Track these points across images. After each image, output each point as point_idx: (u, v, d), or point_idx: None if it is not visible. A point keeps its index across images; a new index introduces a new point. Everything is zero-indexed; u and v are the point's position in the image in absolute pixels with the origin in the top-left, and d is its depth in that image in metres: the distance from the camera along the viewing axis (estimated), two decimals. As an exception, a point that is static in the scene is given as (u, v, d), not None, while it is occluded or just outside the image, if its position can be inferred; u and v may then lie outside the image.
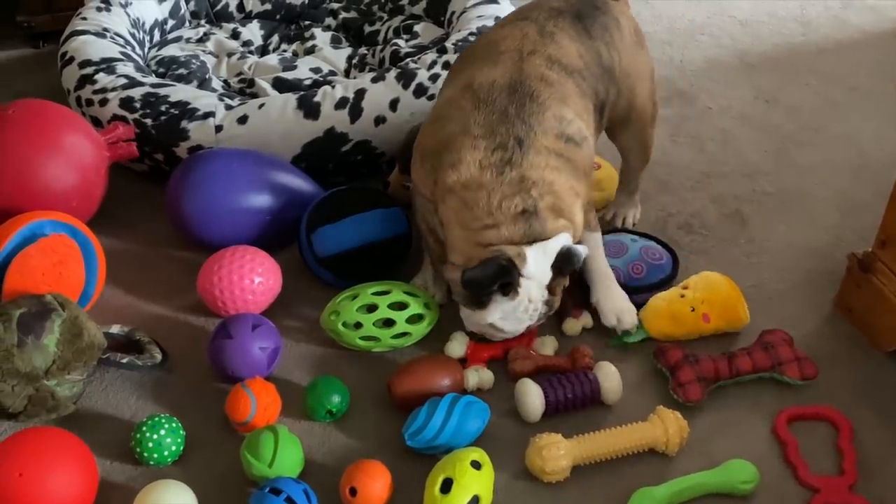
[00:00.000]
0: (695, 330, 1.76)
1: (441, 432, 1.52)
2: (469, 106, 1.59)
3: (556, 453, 1.49)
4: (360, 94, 2.02)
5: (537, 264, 1.55)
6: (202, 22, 2.49)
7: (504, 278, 1.54)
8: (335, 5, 2.53)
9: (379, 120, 2.01)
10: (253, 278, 1.74)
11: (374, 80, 2.05)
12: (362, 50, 2.38)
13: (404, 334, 1.71)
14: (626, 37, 1.79)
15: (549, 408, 1.59)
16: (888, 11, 2.76)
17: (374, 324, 1.69)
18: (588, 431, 1.55)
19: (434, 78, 2.04)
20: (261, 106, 2.01)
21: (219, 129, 1.98)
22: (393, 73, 2.06)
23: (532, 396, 1.58)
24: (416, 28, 2.41)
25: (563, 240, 1.56)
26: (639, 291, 1.81)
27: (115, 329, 1.72)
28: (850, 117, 2.37)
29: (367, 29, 2.47)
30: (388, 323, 1.70)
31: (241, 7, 2.51)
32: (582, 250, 1.57)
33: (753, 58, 2.60)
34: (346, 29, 2.48)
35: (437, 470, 1.46)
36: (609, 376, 1.62)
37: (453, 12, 2.38)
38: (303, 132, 1.99)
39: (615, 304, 1.77)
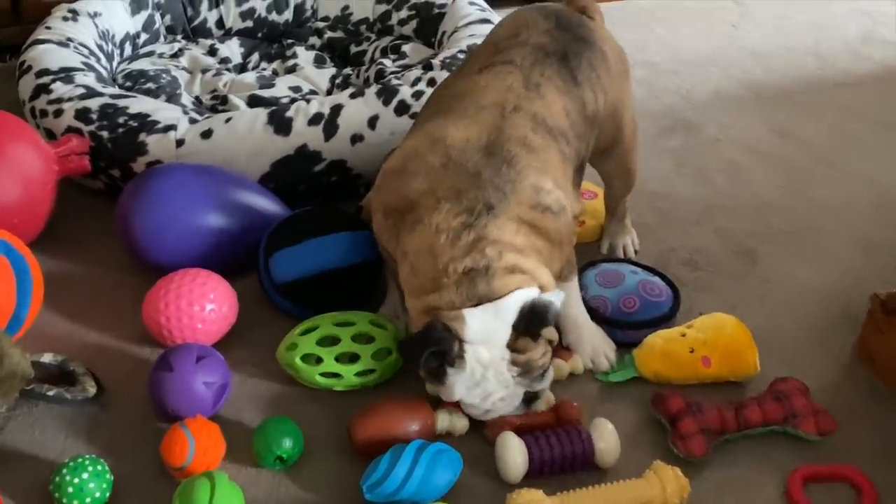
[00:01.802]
0: (692, 374, 1.57)
1: (404, 485, 1.33)
2: (438, 164, 1.42)
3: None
4: (337, 110, 1.85)
5: (483, 326, 1.36)
6: (178, 37, 2.34)
7: (436, 346, 1.36)
8: (321, 24, 2.38)
9: (356, 138, 1.85)
10: (204, 304, 1.56)
11: (353, 96, 1.88)
12: (347, 70, 2.22)
13: (370, 371, 1.52)
14: (612, 67, 1.63)
15: (532, 468, 1.40)
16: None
17: (335, 358, 1.50)
18: (574, 488, 1.36)
19: (417, 95, 1.88)
20: (227, 120, 1.85)
21: (180, 143, 1.82)
22: (373, 89, 1.89)
23: (514, 453, 1.39)
24: (405, 48, 2.25)
25: (521, 296, 1.37)
26: (629, 327, 1.63)
27: (46, 358, 1.53)
28: (871, 153, 2.19)
29: (354, 49, 2.32)
30: (353, 358, 1.51)
31: (220, 23, 2.36)
32: (554, 300, 1.39)
33: (767, 90, 2.44)
34: (332, 49, 2.33)
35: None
36: (605, 436, 1.42)
37: (444, 32, 2.22)
38: (273, 149, 1.82)
39: (590, 343, 1.61)
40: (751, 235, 1.93)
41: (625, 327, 1.63)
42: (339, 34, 2.35)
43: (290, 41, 2.33)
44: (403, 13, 2.35)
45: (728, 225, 1.96)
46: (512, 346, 1.38)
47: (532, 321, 1.37)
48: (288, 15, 2.39)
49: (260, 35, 2.38)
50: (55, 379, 1.51)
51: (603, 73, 1.61)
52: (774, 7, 2.85)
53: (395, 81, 1.92)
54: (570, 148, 1.52)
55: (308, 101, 1.88)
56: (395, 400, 1.46)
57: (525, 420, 1.47)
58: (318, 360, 1.51)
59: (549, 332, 1.42)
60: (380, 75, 2.13)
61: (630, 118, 1.71)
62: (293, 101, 2.06)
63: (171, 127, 1.83)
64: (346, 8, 2.39)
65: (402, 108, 1.87)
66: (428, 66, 1.96)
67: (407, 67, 2.13)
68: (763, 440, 1.49)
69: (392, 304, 1.65)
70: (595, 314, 1.63)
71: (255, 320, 1.68)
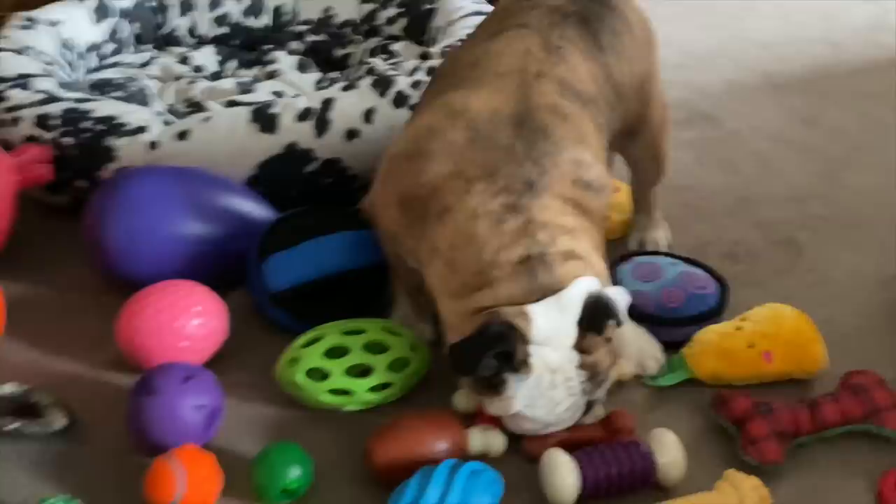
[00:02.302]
0: (753, 372, 1.37)
1: (439, 510, 1.12)
2: (462, 140, 1.24)
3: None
4: (328, 104, 1.66)
5: (550, 323, 1.17)
6: (148, 47, 2.15)
7: (500, 348, 1.16)
8: (302, 28, 2.20)
9: (351, 134, 1.65)
10: (188, 319, 1.35)
11: (345, 89, 1.70)
12: (333, 74, 2.04)
13: (385, 385, 1.31)
14: (637, 35, 1.46)
15: (586, 490, 1.19)
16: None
17: (345, 372, 1.29)
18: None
19: (416, 85, 1.70)
20: (206, 119, 1.65)
21: (153, 146, 1.62)
22: (367, 81, 1.71)
23: (564, 473, 1.18)
24: (395, 48, 2.07)
25: (584, 286, 1.18)
26: (674, 324, 1.44)
27: (7, 389, 1.32)
28: (898, 140, 2.03)
29: (339, 52, 2.13)
30: (365, 371, 1.31)
31: (192, 31, 2.18)
32: (619, 296, 1.21)
33: (781, 80, 2.28)
34: (316, 53, 2.15)
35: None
36: (667, 448, 1.21)
37: (437, 28, 2.05)
38: (258, 149, 1.63)
39: (634, 345, 1.41)
40: (790, 225, 1.75)
41: (670, 325, 1.44)
42: (322, 37, 2.17)
43: (269, 46, 2.15)
44: (391, 11, 2.17)
45: (764, 215, 1.78)
46: (578, 347, 1.19)
47: (598, 315, 1.18)
48: (266, 19, 2.21)
49: (237, 42, 2.19)
50: (18, 412, 1.30)
51: (627, 40, 1.43)
52: None
53: (390, 72, 1.73)
54: (602, 118, 1.34)
55: (295, 96, 1.69)
56: (419, 416, 1.25)
57: (572, 434, 1.26)
58: (325, 376, 1.30)
59: (611, 330, 1.23)
60: (370, 74, 1.95)
61: (659, 94, 1.54)
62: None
63: (142, 129, 1.63)
64: (328, 9, 2.21)
65: (400, 100, 1.68)
66: (425, 56, 1.79)
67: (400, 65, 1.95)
68: (842, 442, 1.29)
69: (403, 310, 1.45)
70: (634, 312, 1.43)
71: (249, 338, 1.47)
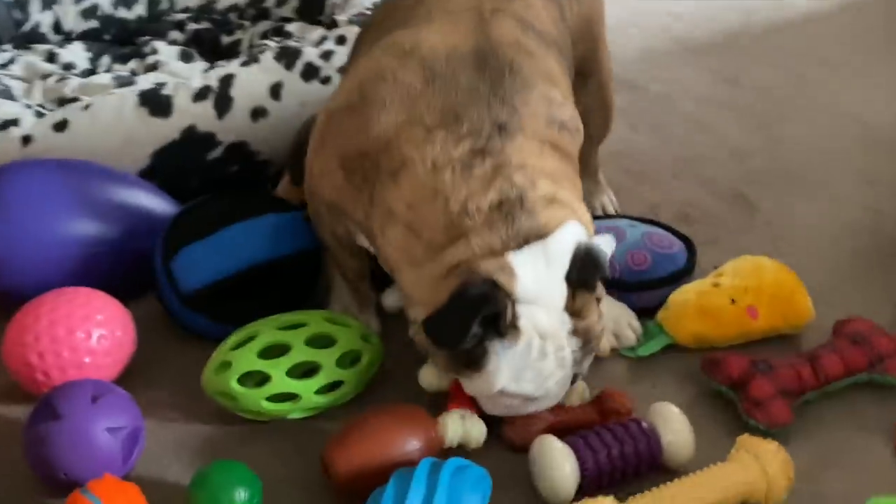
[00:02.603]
0: (739, 330, 1.24)
1: (422, 519, 0.94)
2: (417, 82, 1.06)
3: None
4: (227, 80, 1.46)
5: (537, 278, 1.00)
6: (9, 47, 1.89)
7: (486, 311, 0.98)
8: (181, 16, 1.98)
9: (257, 113, 1.46)
10: (89, 330, 1.12)
11: (245, 64, 1.50)
12: (221, 62, 1.83)
13: (336, 385, 1.12)
14: None
15: (586, 479, 1.02)
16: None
17: (287, 373, 1.09)
18: (647, 488, 1.00)
19: (327, 56, 1.51)
20: (86, 107, 1.43)
21: (27, 141, 1.39)
22: (269, 54, 1.51)
23: (560, 463, 1.01)
24: (289, 28, 1.88)
25: (572, 233, 1.02)
26: (644, 288, 1.30)
27: None
28: (830, 90, 1.96)
29: (226, 40, 1.92)
30: (310, 371, 1.11)
31: (57, 27, 1.93)
32: (606, 246, 1.05)
33: (694, 44, 2.18)
34: (199, 42, 1.93)
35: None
36: (673, 424, 1.06)
37: (335, 4, 1.87)
38: (151, 136, 1.41)
39: (607, 316, 1.23)
40: (737, 181, 1.64)
41: (639, 289, 1.29)
42: (205, 25, 1.96)
43: (145, 38, 1.92)
44: (281, -9, 1.98)
45: (708, 174, 1.66)
46: (570, 309, 1.02)
47: (589, 268, 1.01)
48: (140, 9, 1.98)
49: (107, 37, 1.96)
50: None
51: None
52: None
53: (294, 43, 1.55)
54: (565, 61, 1.20)
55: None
56: (382, 412, 1.06)
57: (560, 417, 1.10)
58: (264, 380, 1.10)
59: (600, 289, 1.07)
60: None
61: (605, 40, 1.41)
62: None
63: (12, 122, 1.40)
64: (209, -6, 2.01)
65: (310, 73, 1.49)
66: (332, 24, 1.60)
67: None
68: (846, 396, 1.18)
69: (342, 298, 1.26)
70: (602, 278, 1.29)
71: (161, 350, 1.25)
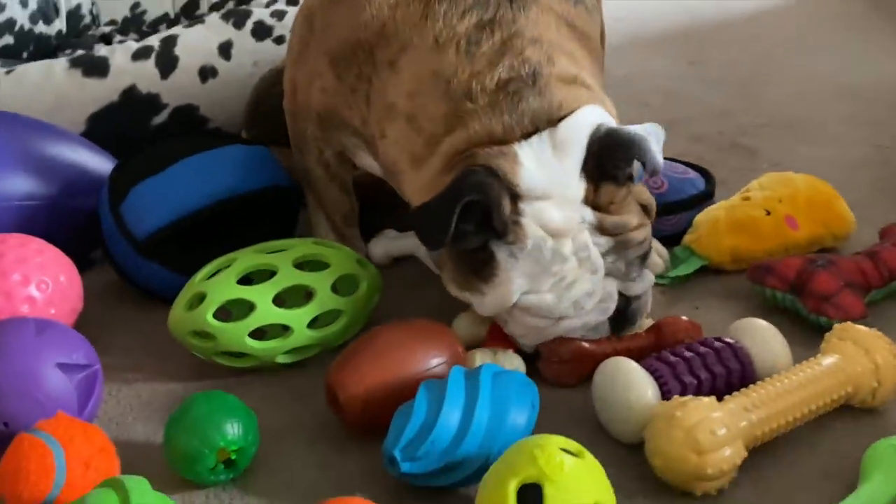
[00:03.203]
0: (780, 242, 1.09)
1: (465, 435, 0.75)
2: None
3: (700, 415, 0.75)
4: (170, 40, 1.30)
5: (545, 165, 0.84)
6: None
7: (476, 194, 0.82)
8: (107, 29, 1.83)
9: (206, 72, 1.30)
10: (28, 275, 0.92)
11: (188, 26, 1.34)
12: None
13: (334, 315, 0.93)
14: None
15: None
16: None
17: (275, 300, 0.90)
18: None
19: (279, 15, 1.37)
20: (9, 72, 1.25)
21: (-58, 106, 1.20)
22: (215, 15, 1.36)
23: (639, 388, 0.81)
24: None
25: (589, 116, 0.87)
26: (666, 211, 1.14)
27: None
28: (798, 62, 1.88)
29: (158, 49, 1.77)
30: (302, 297, 0.92)
31: (-33, 45, 1.76)
32: (652, 132, 0.88)
33: (649, 37, 2.11)
34: (129, 53, 1.77)
35: (501, 474, 0.67)
36: (763, 339, 0.87)
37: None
38: (86, 97, 1.24)
39: None
40: (730, 134, 1.52)
41: (659, 213, 1.14)
42: (133, 37, 1.80)
43: (68, 52, 1.75)
44: (215, -5, 1.85)
45: (699, 131, 1.54)
46: (593, 202, 0.86)
47: (612, 154, 0.85)
48: (60, 24, 1.82)
49: (26, 54, 1.78)
50: None
51: None
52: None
53: (243, 6, 1.40)
54: None
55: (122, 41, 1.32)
56: (394, 326, 0.88)
57: (607, 347, 0.92)
58: (247, 311, 0.90)
59: (642, 194, 0.91)
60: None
61: None
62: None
63: (-76, 88, 1.21)
64: (136, 6, 1.85)
65: (262, 31, 1.34)
66: (279, -10, 1.46)
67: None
68: (913, 296, 1.03)
69: (322, 227, 1.08)
70: (617, 204, 1.14)
71: (114, 317, 1.05)
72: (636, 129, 0.87)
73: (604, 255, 0.88)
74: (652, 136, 0.87)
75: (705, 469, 0.74)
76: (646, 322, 0.96)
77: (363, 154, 0.98)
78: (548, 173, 0.85)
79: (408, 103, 0.89)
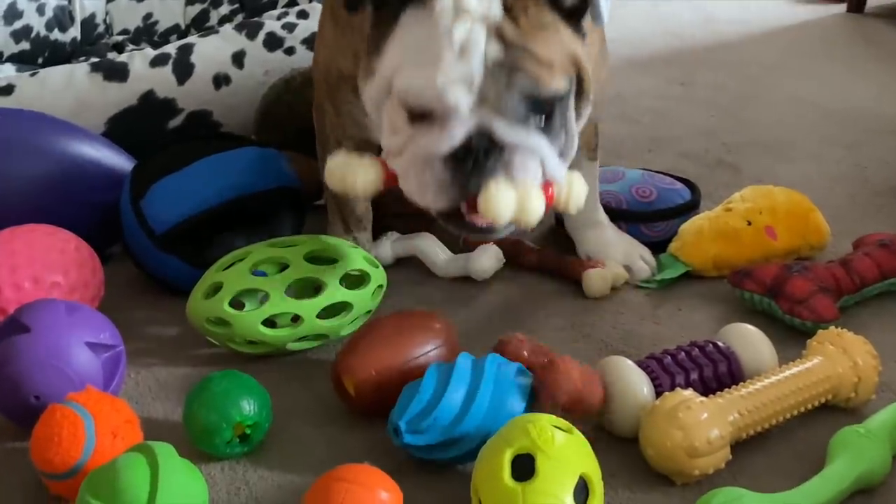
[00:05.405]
0: (759, 251, 1.16)
1: (467, 412, 0.81)
2: None
3: (700, 418, 0.81)
4: (187, 48, 1.37)
5: None
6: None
7: None
8: (119, 38, 1.90)
9: (220, 80, 1.36)
10: (53, 263, 0.98)
11: (203, 36, 1.41)
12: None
13: (342, 307, 0.99)
14: None
15: None
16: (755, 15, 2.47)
17: (287, 290, 0.97)
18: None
19: (290, 27, 1.44)
20: (34, 74, 1.31)
21: (-32, 105, 1.26)
22: (230, 26, 1.43)
23: (635, 386, 0.87)
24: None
25: None
26: (653, 218, 1.22)
27: None
28: (782, 86, 1.96)
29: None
30: (312, 289, 0.99)
31: (-15, 50, 1.82)
32: None
33: (641, 60, 2.18)
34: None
35: (497, 445, 0.74)
36: (752, 343, 0.93)
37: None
38: (106, 100, 1.30)
39: (618, 247, 1.18)
40: (715, 152, 1.60)
41: (647, 219, 1.22)
42: (143, 47, 1.87)
43: (82, 59, 1.82)
44: (224, 9, 1.91)
45: (685, 148, 1.62)
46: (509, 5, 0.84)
47: None
48: (74, 32, 1.89)
49: (41, 60, 1.85)
50: None
51: None
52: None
53: (254, 19, 1.47)
54: None
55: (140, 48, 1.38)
56: (394, 316, 0.94)
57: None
58: (262, 300, 0.97)
59: (576, 49, 0.87)
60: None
61: None
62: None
63: (-49, 88, 1.28)
64: (148, 16, 1.93)
65: (273, 42, 1.41)
66: (293, 2, 1.54)
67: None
68: (884, 300, 1.10)
69: (338, 226, 1.14)
70: (608, 211, 1.21)
71: (131, 307, 1.11)
72: None
73: (488, 64, 0.82)
74: None
75: (693, 470, 0.80)
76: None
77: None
78: None
79: None
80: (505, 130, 0.83)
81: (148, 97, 1.32)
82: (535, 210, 0.85)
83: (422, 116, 0.84)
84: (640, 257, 1.18)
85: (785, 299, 1.04)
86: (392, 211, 1.19)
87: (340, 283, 0.99)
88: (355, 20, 0.95)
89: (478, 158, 0.83)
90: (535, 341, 0.90)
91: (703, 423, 0.80)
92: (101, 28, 1.91)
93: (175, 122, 1.34)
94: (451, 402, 0.82)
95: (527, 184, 0.85)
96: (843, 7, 2.60)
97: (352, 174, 0.90)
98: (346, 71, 0.99)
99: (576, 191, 0.91)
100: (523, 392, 0.84)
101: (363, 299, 1.00)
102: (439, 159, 0.84)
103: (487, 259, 1.16)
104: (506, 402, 0.83)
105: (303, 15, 1.47)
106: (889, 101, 1.84)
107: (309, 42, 1.43)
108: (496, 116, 0.82)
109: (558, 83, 0.84)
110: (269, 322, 0.96)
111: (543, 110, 0.85)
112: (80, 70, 1.32)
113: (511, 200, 0.83)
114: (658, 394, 0.88)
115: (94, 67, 1.32)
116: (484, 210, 0.83)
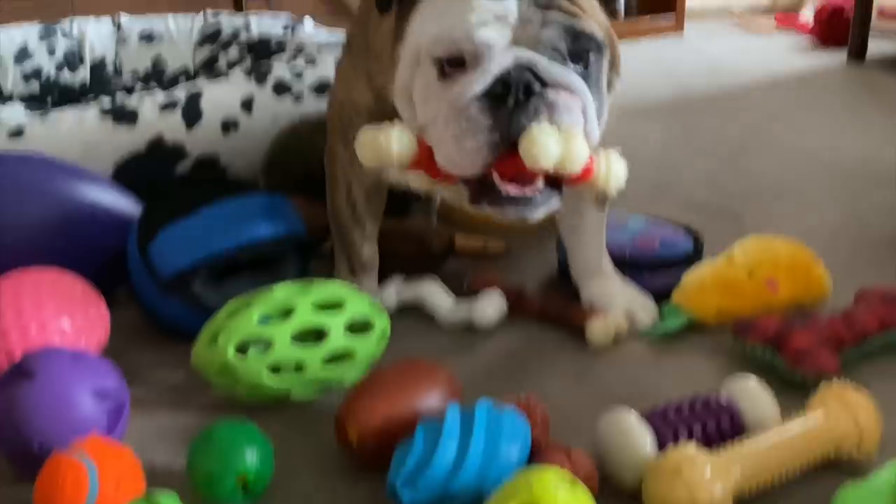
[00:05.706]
0: (761, 303, 1.17)
1: (462, 465, 0.81)
2: None
3: (704, 475, 0.81)
4: (196, 95, 1.39)
5: None
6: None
7: None
8: (128, 79, 1.91)
9: (229, 125, 1.38)
10: (60, 309, 0.99)
11: (214, 81, 1.43)
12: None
13: (344, 356, 1.00)
14: None
15: None
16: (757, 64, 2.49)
17: (293, 338, 0.97)
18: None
19: (298, 74, 1.45)
20: (44, 115, 1.33)
21: (-22, 147, 1.28)
22: (239, 70, 1.45)
23: (637, 439, 0.88)
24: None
25: None
26: (656, 268, 1.23)
27: None
28: (784, 135, 1.98)
29: (176, 100, 1.86)
30: (317, 336, 0.99)
31: (-2, 89, 1.84)
32: None
33: (641, 108, 2.21)
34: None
35: (500, 499, 0.74)
36: (754, 396, 0.93)
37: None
38: (115, 145, 1.32)
39: (621, 296, 1.19)
40: (716, 203, 1.61)
41: (651, 269, 1.22)
42: (154, 86, 1.90)
43: (91, 96, 1.84)
44: (233, 53, 1.93)
45: (686, 196, 1.63)
46: None
47: None
48: (83, 73, 1.91)
49: (50, 99, 1.87)
50: None
51: None
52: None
53: (265, 63, 1.49)
54: None
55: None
56: (397, 366, 0.95)
57: None
58: (265, 348, 0.97)
59: (601, 19, 0.91)
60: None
61: None
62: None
63: (-37, 131, 1.29)
64: (158, 59, 1.94)
65: (281, 88, 1.43)
66: (299, 49, 1.55)
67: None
68: (886, 355, 1.10)
69: (343, 271, 1.16)
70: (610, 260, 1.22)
71: (136, 352, 1.12)
72: None
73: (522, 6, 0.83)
74: None
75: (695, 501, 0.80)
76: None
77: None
78: None
79: None
80: (546, 65, 0.82)
81: (157, 143, 1.34)
82: (580, 156, 0.83)
83: (454, 68, 0.82)
84: (642, 306, 1.18)
85: (787, 351, 1.04)
86: (399, 250, 1.20)
87: (347, 329, 0.99)
88: (369, 40, 0.98)
89: (518, 98, 0.81)
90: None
91: (707, 481, 0.80)
92: (110, 69, 1.93)
93: (183, 167, 1.35)
94: (445, 454, 0.82)
95: (571, 128, 0.82)
96: (843, 56, 2.62)
97: (385, 139, 0.87)
98: (359, 102, 1.01)
99: (615, 168, 0.90)
100: (517, 436, 0.85)
101: (367, 347, 1.01)
102: (476, 102, 0.81)
103: (491, 308, 1.16)
104: (500, 449, 0.83)
105: (311, 60, 1.49)
106: (891, 151, 1.85)
107: (318, 89, 1.44)
108: (535, 52, 0.81)
109: (593, 27, 0.84)
110: (275, 368, 0.97)
111: (581, 58, 0.84)
112: (90, 113, 1.33)
113: (556, 143, 0.81)
114: (661, 446, 0.88)
115: (105, 111, 1.34)
116: (526, 153, 0.80)
